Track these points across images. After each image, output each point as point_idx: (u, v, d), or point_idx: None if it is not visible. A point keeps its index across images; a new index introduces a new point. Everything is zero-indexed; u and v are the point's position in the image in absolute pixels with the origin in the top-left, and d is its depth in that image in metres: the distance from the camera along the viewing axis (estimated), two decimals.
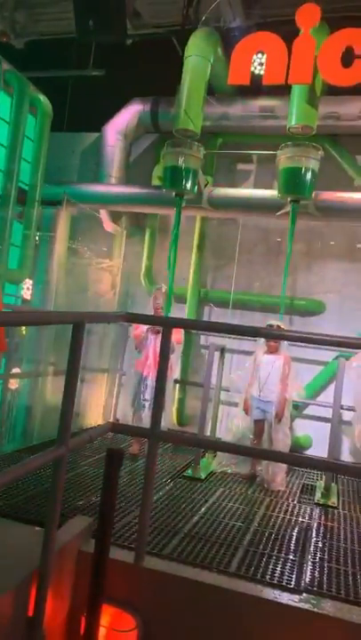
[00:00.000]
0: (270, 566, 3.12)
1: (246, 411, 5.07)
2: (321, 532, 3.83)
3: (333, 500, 4.60)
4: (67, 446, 2.55)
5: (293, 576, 3.03)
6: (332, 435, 4.78)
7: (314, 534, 3.76)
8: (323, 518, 4.13)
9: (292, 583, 2.94)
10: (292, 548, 3.45)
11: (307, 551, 3.43)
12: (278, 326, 4.99)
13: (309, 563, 3.25)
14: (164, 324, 3.09)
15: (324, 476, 5.16)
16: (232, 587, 2.83)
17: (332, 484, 4.88)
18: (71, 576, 2.97)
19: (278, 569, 3.09)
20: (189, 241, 7.19)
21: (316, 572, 3.12)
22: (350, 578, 3.12)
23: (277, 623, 2.68)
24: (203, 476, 4.88)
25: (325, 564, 3.25)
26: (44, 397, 5.78)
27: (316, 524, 3.97)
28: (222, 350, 5.71)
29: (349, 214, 5.86)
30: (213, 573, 2.96)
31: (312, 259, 7.00)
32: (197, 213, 6.59)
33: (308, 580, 3.02)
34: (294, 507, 4.35)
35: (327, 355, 6.58)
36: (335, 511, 4.38)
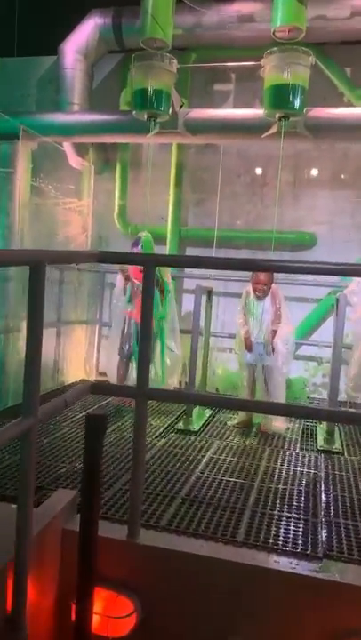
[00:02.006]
0: (282, 530, 2.77)
1: (249, 347, 4.63)
2: (331, 483, 3.50)
3: (337, 446, 4.28)
4: (35, 416, 2.08)
5: (309, 540, 2.68)
6: (334, 377, 4.40)
7: (323, 487, 3.42)
8: (330, 467, 3.81)
9: (309, 549, 2.59)
10: (302, 506, 3.11)
11: (319, 508, 3.09)
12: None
13: (323, 522, 2.91)
14: (145, 263, 2.56)
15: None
16: (241, 559, 2.47)
17: (335, 427, 4.55)
18: (56, 559, 2.58)
19: (291, 533, 2.75)
20: (166, 175, 6.52)
21: (333, 533, 2.79)
22: None
23: (296, 597, 2.34)
24: (196, 429, 4.51)
25: (341, 522, 2.92)
26: (17, 355, 5.28)
27: (324, 475, 3.64)
28: (209, 293, 5.21)
29: (342, 133, 5.26)
30: (219, 544, 2.60)
31: (300, 188, 6.42)
32: (173, 140, 5.89)
33: (325, 543, 2.68)
34: (297, 456, 4.01)
35: (319, 292, 6.14)
36: (341, 458, 4.06)
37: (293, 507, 3.06)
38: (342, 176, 6.20)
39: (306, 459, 3.96)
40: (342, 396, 5.73)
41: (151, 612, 2.44)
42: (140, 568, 2.51)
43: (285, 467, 3.76)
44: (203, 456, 3.86)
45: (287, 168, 6.35)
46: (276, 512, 2.98)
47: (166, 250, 6.44)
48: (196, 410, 5.13)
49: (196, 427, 4.54)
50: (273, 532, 2.72)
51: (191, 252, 6.76)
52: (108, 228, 6.80)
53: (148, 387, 2.48)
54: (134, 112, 5.29)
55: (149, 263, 2.51)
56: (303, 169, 6.29)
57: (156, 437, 4.23)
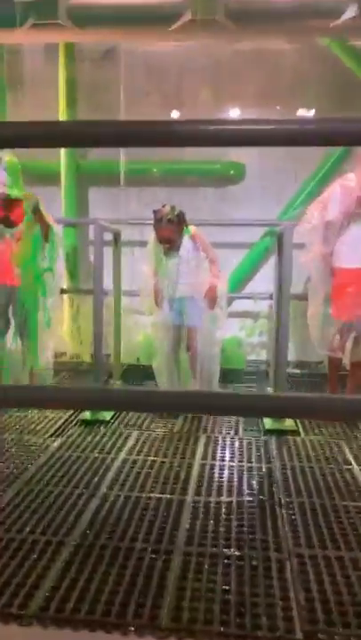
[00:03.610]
0: (232, 587, 1.73)
1: (157, 301, 3.57)
2: (292, 486, 2.51)
3: (290, 423, 3.31)
4: None
5: (278, 613, 1.66)
6: (282, 336, 3.39)
7: (282, 492, 2.43)
8: (286, 457, 2.82)
9: (280, 630, 1.57)
10: (256, 534, 2.08)
11: (282, 537, 2.08)
12: (172, 211, 3.40)
13: (291, 566, 1.91)
14: None
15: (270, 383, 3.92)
16: None
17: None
18: None
19: (245, 593, 1.71)
20: (53, 95, 5.12)
21: (310, 589, 1.79)
22: None
23: None
24: (107, 417, 3.39)
25: (307, 556, 1.93)
26: None
27: (280, 472, 2.65)
28: (116, 238, 4.01)
29: (274, 24, 4.12)
30: (131, 637, 1.52)
31: (222, 105, 5.26)
32: (55, 37, 4.48)
33: (304, 614, 1.67)
34: (241, 443, 3.00)
35: (252, 234, 5.09)
36: (298, 440, 3.09)
37: (243, 538, 2.02)
38: (273, 91, 5.09)
39: (253, 447, 2.96)
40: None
41: None
42: None
43: (227, 463, 2.74)
44: (114, 459, 2.75)
45: (206, 82, 5.16)
46: (219, 551, 1.93)
47: (61, 191, 5.11)
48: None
49: (107, 415, 3.41)
50: (219, 597, 1.68)
51: (95, 193, 5.47)
52: None
53: None
54: None
55: None
56: (226, 83, 5.12)
57: (50, 436, 3.06)
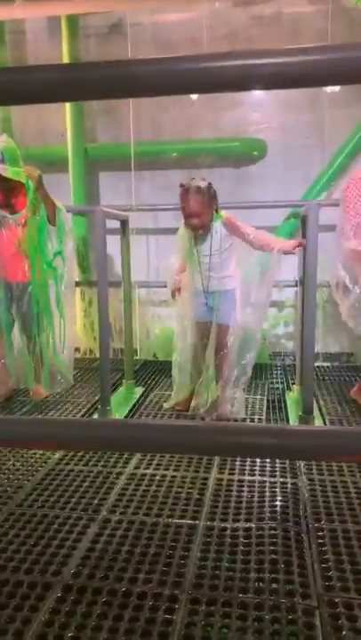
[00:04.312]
0: None
1: (174, 293, 3.26)
2: (321, 506, 2.17)
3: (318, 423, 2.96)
4: None
5: None
6: (308, 326, 3.02)
7: (309, 514, 2.09)
8: (315, 470, 2.48)
9: None
10: (281, 573, 1.75)
11: (311, 577, 1.75)
12: (200, 185, 2.97)
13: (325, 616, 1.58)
14: None
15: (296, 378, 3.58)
16: None
17: (315, 396, 3.24)
18: None
19: None
20: None
21: None
22: None
23: None
24: None
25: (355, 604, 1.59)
26: None
27: (307, 489, 2.30)
28: (124, 225, 3.68)
29: None
30: None
31: None
32: (56, 9, 4.12)
33: None
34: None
35: (275, 216, 4.69)
36: None
37: (264, 579, 1.69)
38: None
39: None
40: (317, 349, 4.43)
41: None
42: None
43: (247, 477, 2.41)
44: (119, 474, 2.46)
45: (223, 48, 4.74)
46: (234, 595, 1.61)
47: (69, 177, 4.80)
48: (121, 391, 3.74)
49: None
50: None
51: (105, 178, 5.15)
52: None
53: None
54: None
55: None
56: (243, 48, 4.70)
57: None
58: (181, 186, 2.96)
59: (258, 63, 0.92)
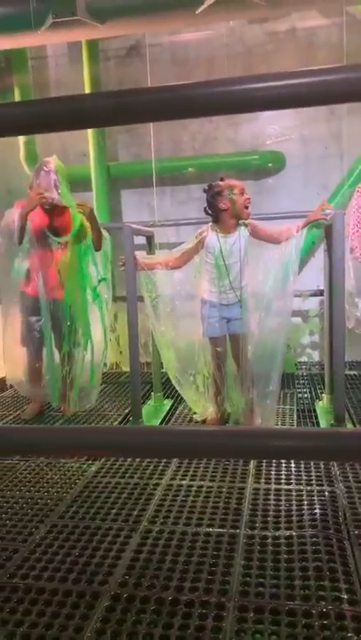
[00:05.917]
0: None
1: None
2: None
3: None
4: None
5: None
6: (336, 334, 3.03)
7: (351, 522, 2.09)
8: (351, 477, 2.47)
9: None
10: (326, 587, 1.76)
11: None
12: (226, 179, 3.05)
13: None
14: None
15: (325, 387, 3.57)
16: None
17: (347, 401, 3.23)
18: None
19: None
20: None
21: None
22: None
23: None
24: None
25: None
26: None
27: (346, 496, 2.30)
28: (149, 240, 3.75)
29: None
30: None
31: None
32: (76, 35, 4.25)
33: None
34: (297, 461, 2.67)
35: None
36: None
37: (310, 586, 1.70)
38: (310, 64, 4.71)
39: (311, 465, 2.63)
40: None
41: None
42: None
43: (283, 486, 2.41)
44: (156, 485, 2.49)
45: (237, 69, 4.84)
46: (280, 602, 1.62)
47: (92, 195, 4.91)
48: (150, 403, 3.77)
49: None
50: None
51: (127, 196, 5.25)
52: (14, 177, 5.18)
53: None
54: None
55: None
56: (258, 68, 4.78)
57: (87, 460, 2.83)
58: (209, 188, 3.03)
59: (284, 84, 0.96)
